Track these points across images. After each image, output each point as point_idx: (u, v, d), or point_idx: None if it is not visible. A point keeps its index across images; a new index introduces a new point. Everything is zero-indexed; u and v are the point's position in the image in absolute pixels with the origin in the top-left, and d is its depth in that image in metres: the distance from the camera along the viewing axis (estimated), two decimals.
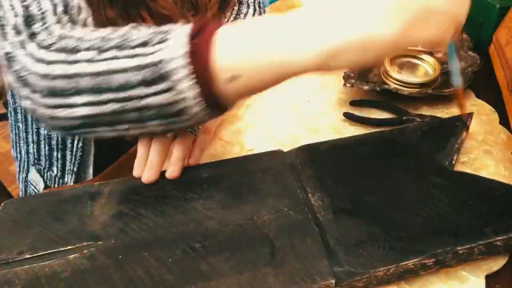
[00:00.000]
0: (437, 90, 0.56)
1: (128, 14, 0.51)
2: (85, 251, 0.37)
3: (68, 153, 0.58)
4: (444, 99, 0.57)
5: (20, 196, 0.68)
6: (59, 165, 0.59)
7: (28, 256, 0.37)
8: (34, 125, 0.60)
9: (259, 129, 0.56)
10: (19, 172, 0.67)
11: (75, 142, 0.57)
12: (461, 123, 0.48)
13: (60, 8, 0.40)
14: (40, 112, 0.38)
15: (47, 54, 0.36)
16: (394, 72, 0.59)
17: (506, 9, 0.62)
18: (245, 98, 0.37)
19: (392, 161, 0.44)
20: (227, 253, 0.36)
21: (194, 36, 0.33)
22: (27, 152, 0.63)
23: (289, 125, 0.56)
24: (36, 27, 0.38)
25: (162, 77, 0.33)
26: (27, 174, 0.65)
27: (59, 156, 0.59)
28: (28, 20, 0.38)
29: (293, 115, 0.58)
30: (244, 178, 0.43)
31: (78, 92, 0.35)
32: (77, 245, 0.37)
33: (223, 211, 0.40)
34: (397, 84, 0.58)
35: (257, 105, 0.61)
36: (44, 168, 0.62)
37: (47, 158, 0.60)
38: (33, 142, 0.61)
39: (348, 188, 0.41)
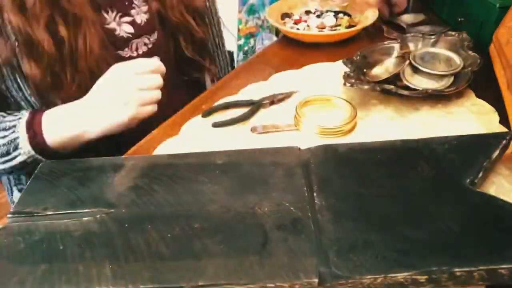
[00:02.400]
0: (437, 90, 0.55)
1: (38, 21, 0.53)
2: (97, 216, 0.40)
3: None
4: (445, 99, 0.57)
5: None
6: None
7: (50, 212, 0.41)
8: None
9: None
10: (7, 192, 0.71)
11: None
12: (494, 141, 0.45)
13: None
14: None
15: None
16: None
17: (506, 9, 0.61)
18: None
19: (409, 172, 0.42)
20: (221, 236, 0.37)
21: (33, 138, 0.54)
22: (8, 176, 0.68)
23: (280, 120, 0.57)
24: None
25: (25, 163, 0.55)
26: (12, 195, 0.69)
27: None
28: None
29: (292, 115, 0.58)
30: (255, 169, 0.44)
31: None
32: (92, 210, 0.41)
33: (227, 197, 0.41)
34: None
35: None
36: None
37: (26, 178, 0.65)
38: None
39: (356, 193, 0.41)
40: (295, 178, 0.43)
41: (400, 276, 0.33)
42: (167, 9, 0.65)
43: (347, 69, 0.61)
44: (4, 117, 0.56)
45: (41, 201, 0.42)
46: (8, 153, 0.55)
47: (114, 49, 0.60)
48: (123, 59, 0.59)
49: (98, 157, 0.49)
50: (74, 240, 0.38)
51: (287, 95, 0.61)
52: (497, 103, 0.54)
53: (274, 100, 0.60)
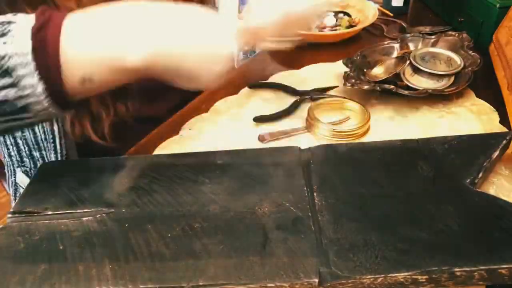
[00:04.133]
0: (437, 90, 0.56)
1: None
2: (97, 216, 0.40)
3: (51, 153, 0.57)
4: (445, 99, 0.57)
5: (11, 200, 0.69)
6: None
7: (50, 212, 0.41)
8: None
9: (255, 129, 0.57)
10: (9, 177, 0.65)
11: (57, 140, 0.56)
12: (496, 141, 0.45)
13: None
14: None
15: None
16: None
17: (506, 9, 0.62)
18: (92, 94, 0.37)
19: (409, 172, 0.42)
20: (221, 237, 0.37)
21: (39, 30, 0.32)
22: (9, 155, 0.62)
23: (288, 125, 0.57)
24: None
25: (5, 72, 0.31)
26: (15, 177, 0.64)
27: (38, 156, 0.59)
28: None
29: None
30: (255, 169, 0.44)
31: None
32: (92, 210, 0.41)
33: (227, 197, 0.41)
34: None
35: (256, 104, 0.62)
36: (30, 169, 0.62)
37: (29, 158, 0.60)
38: (11, 144, 0.60)
39: (356, 193, 0.41)
40: (295, 178, 0.43)
41: (400, 276, 0.33)
42: None
43: (347, 69, 0.61)
44: None
45: (41, 201, 0.42)
46: None
47: None
48: None
49: (98, 157, 0.49)
50: (74, 240, 0.38)
51: (327, 89, 0.63)
52: (497, 103, 0.55)
53: (312, 96, 0.61)
